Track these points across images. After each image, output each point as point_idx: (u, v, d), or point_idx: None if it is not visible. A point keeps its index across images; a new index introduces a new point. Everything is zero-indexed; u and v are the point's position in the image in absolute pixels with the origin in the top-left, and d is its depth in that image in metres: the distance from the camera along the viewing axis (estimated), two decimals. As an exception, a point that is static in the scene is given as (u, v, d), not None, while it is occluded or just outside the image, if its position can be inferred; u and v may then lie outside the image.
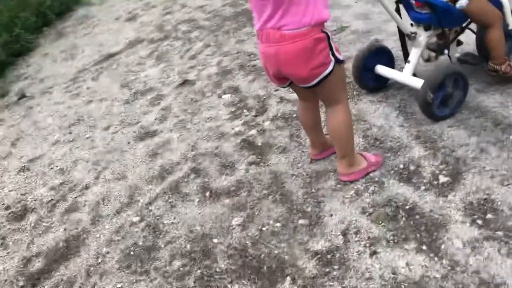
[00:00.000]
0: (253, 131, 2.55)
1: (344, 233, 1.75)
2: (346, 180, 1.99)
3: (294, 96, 2.40)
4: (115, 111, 3.34)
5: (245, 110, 2.82)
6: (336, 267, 1.63)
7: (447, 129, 2.18)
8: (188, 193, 2.22)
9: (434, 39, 2.44)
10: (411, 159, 2.03)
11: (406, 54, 2.47)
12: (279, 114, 2.66)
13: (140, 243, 2.01)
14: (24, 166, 2.96)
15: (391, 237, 1.68)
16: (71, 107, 3.69)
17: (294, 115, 2.59)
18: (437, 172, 1.93)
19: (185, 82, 3.52)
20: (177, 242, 1.95)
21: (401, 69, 2.48)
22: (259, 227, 1.90)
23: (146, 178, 2.42)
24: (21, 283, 2.02)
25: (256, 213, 1.97)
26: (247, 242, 1.84)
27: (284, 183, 2.08)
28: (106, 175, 2.56)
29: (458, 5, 2.19)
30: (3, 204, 2.62)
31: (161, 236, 2.01)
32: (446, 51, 2.33)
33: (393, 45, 2.80)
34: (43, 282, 1.99)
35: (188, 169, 2.38)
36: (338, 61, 1.71)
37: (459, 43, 2.49)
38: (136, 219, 2.17)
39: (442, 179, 1.88)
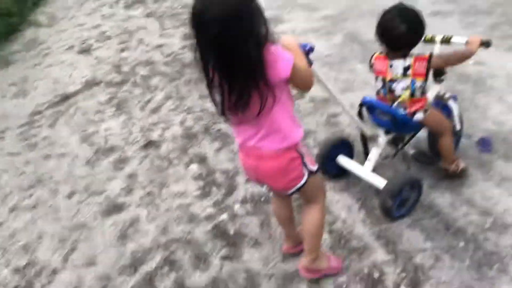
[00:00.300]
0: (224, 216, 2.62)
1: None
2: (306, 276, 2.13)
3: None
4: (78, 173, 3.28)
5: (214, 188, 2.88)
6: None
7: (405, 229, 2.37)
8: (163, 288, 2.26)
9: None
10: (375, 264, 2.19)
11: (366, 152, 2.64)
12: (248, 196, 2.75)
13: None
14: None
15: None
16: (29, 162, 3.56)
17: (263, 198, 2.69)
18: (398, 281, 2.10)
19: (149, 144, 3.51)
20: None
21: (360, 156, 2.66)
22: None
23: (117, 267, 2.41)
24: None
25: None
26: None
27: (259, 286, 2.17)
28: (74, 258, 2.52)
29: (415, 117, 2.39)
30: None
31: None
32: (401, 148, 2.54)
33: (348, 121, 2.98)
34: None
35: (161, 259, 2.40)
36: (312, 173, 1.85)
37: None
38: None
39: (404, 289, 2.06)
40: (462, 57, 2.39)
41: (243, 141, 1.80)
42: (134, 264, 2.40)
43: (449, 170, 2.59)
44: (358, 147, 2.78)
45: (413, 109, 2.39)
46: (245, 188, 2.80)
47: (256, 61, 1.51)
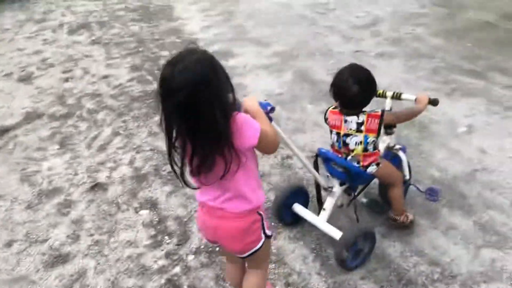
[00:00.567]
0: (177, 269, 2.57)
1: None
2: None
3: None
4: (17, 218, 3.10)
5: (166, 237, 2.82)
6: None
7: (359, 281, 2.43)
8: None
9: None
10: (331, 320, 2.22)
11: (320, 201, 2.70)
12: (202, 246, 2.71)
13: None
14: None
15: None
16: (-40, 205, 3.33)
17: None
18: (354, 338, 2.14)
19: (96, 186, 3.40)
20: None
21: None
22: None
23: (63, 329, 2.29)
24: None
25: None
26: None
27: None
28: (14, 318, 2.37)
29: (369, 170, 2.49)
30: None
31: None
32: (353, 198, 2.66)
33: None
34: None
35: (111, 319, 2.31)
36: (268, 237, 1.88)
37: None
38: None
39: None
40: (411, 115, 2.53)
41: (205, 201, 1.80)
42: (81, 325, 2.28)
43: (398, 220, 2.70)
44: (313, 191, 2.83)
45: (366, 162, 2.48)
46: (198, 237, 2.76)
47: (222, 128, 1.52)
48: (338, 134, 2.47)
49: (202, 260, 2.61)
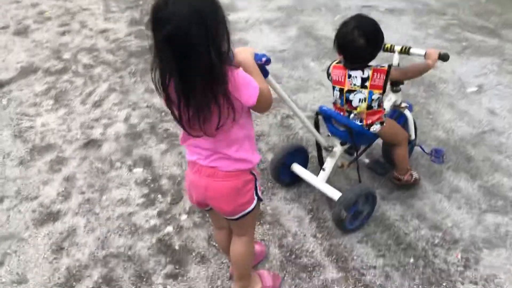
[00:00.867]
0: (169, 228, 2.47)
1: None
2: None
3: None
4: (9, 174, 3.01)
5: (159, 195, 2.72)
6: None
7: (356, 244, 2.32)
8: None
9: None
10: (325, 284, 2.13)
11: (321, 161, 2.57)
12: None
13: None
14: None
15: None
16: (-49, 160, 3.23)
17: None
18: (349, 302, 2.05)
19: (90, 143, 3.28)
20: None
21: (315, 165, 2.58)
22: None
23: (50, 286, 2.22)
24: None
25: None
26: None
27: (205, 308, 2.05)
28: (2, 274, 2.30)
29: (372, 129, 2.34)
30: None
31: None
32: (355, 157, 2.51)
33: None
34: None
35: (99, 277, 2.23)
36: (259, 199, 1.78)
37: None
38: None
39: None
40: (420, 71, 2.36)
41: (196, 159, 1.68)
42: (69, 283, 2.21)
43: (402, 180, 2.57)
44: (313, 152, 2.70)
45: (369, 121, 2.33)
46: (192, 196, 2.64)
47: (218, 72, 1.38)
48: (341, 90, 2.30)
49: (195, 219, 2.51)
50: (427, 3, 5.33)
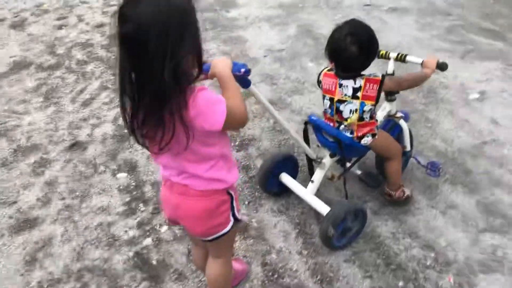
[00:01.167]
0: (148, 240, 2.33)
1: None
2: None
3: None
4: (-11, 176, 2.87)
5: (141, 204, 2.57)
6: None
7: (343, 264, 2.17)
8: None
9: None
10: (308, 307, 1.97)
11: (312, 171, 2.41)
12: (177, 216, 2.44)
13: None
14: None
15: None
16: None
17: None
18: (332, 329, 1.89)
19: (75, 144, 3.13)
20: None
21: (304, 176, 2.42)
22: None
23: (19, 301, 2.08)
24: None
25: None
26: None
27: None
28: (-29, 286, 2.17)
29: (363, 142, 2.17)
30: None
31: None
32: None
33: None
34: None
35: (71, 293, 2.09)
36: (237, 220, 1.62)
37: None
38: None
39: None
40: (416, 81, 2.18)
41: (168, 175, 1.52)
42: (40, 298, 2.07)
43: (394, 196, 2.41)
44: (304, 160, 2.54)
45: (360, 133, 2.16)
46: (175, 205, 2.49)
47: (167, 88, 1.21)
48: (331, 99, 2.13)
49: (176, 231, 2.36)
50: (432, 1, 5.11)
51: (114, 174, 2.82)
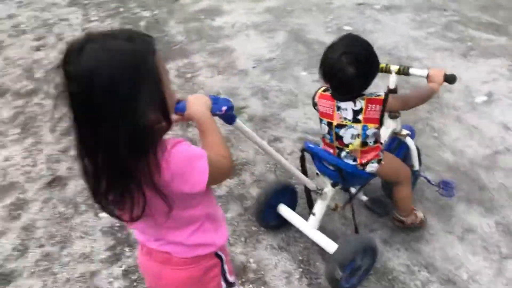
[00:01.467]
0: (136, 293, 2.07)
1: None
2: None
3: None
4: (-39, 225, 2.61)
5: (126, 248, 2.32)
6: None
7: (354, 308, 1.91)
8: None
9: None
10: None
11: (311, 203, 2.16)
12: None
13: None
14: None
15: None
16: None
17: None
18: None
19: (54, 180, 2.87)
20: None
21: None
22: None
23: None
24: None
25: None
26: None
27: None
28: None
29: (368, 169, 1.92)
30: None
31: None
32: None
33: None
34: None
35: None
36: (230, 285, 1.38)
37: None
38: None
39: None
40: (423, 98, 1.94)
41: (144, 241, 1.27)
42: None
43: (406, 222, 2.16)
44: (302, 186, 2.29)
45: (365, 159, 1.91)
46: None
47: (125, 165, 0.98)
48: (329, 124, 1.89)
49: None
50: (427, -3, 4.86)
51: (96, 214, 2.56)
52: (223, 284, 1.36)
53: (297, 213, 2.22)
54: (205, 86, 3.67)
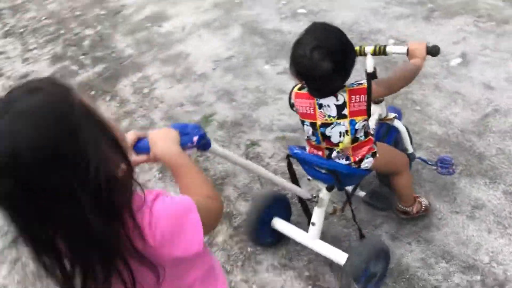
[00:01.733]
0: None
1: None
2: None
3: None
4: None
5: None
6: None
7: (378, 319, 1.71)
8: None
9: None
10: None
11: (308, 212, 1.95)
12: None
13: None
14: None
15: None
16: None
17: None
18: None
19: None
20: None
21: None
22: None
23: None
24: None
25: None
26: None
27: None
28: None
29: (363, 166, 1.72)
30: None
31: None
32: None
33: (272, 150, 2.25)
34: None
35: None
36: None
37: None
38: None
39: None
40: (409, 78, 1.73)
41: None
42: None
43: (411, 212, 1.98)
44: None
45: (358, 156, 1.71)
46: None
47: (101, 235, 0.77)
48: (312, 124, 1.66)
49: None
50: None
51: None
52: None
53: (293, 222, 2.00)
54: (165, 99, 3.39)
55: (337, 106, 1.60)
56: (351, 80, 1.58)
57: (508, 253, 1.83)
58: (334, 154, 1.73)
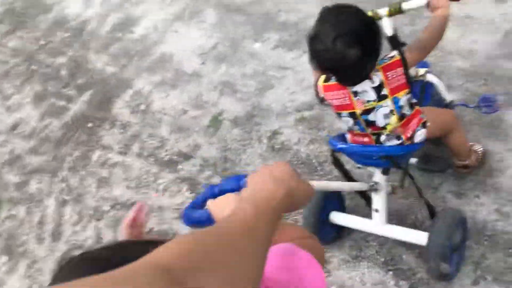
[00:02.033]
0: None
1: None
2: None
3: None
4: None
5: None
6: None
7: (474, 289, 1.60)
8: None
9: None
10: None
11: (369, 202, 1.81)
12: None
13: None
14: None
15: None
16: None
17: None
18: None
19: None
20: None
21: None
22: None
23: None
24: None
25: None
26: None
27: None
28: None
29: (417, 140, 1.57)
30: None
31: None
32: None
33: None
34: None
35: None
36: None
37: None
38: None
39: None
40: (439, 33, 1.55)
41: None
42: None
43: (471, 164, 1.83)
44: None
45: (409, 132, 1.55)
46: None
47: None
48: (352, 115, 1.49)
49: None
50: None
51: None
52: None
53: (349, 211, 1.86)
54: (166, 110, 3.19)
55: (374, 88, 1.43)
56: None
57: None
58: (383, 137, 1.57)
